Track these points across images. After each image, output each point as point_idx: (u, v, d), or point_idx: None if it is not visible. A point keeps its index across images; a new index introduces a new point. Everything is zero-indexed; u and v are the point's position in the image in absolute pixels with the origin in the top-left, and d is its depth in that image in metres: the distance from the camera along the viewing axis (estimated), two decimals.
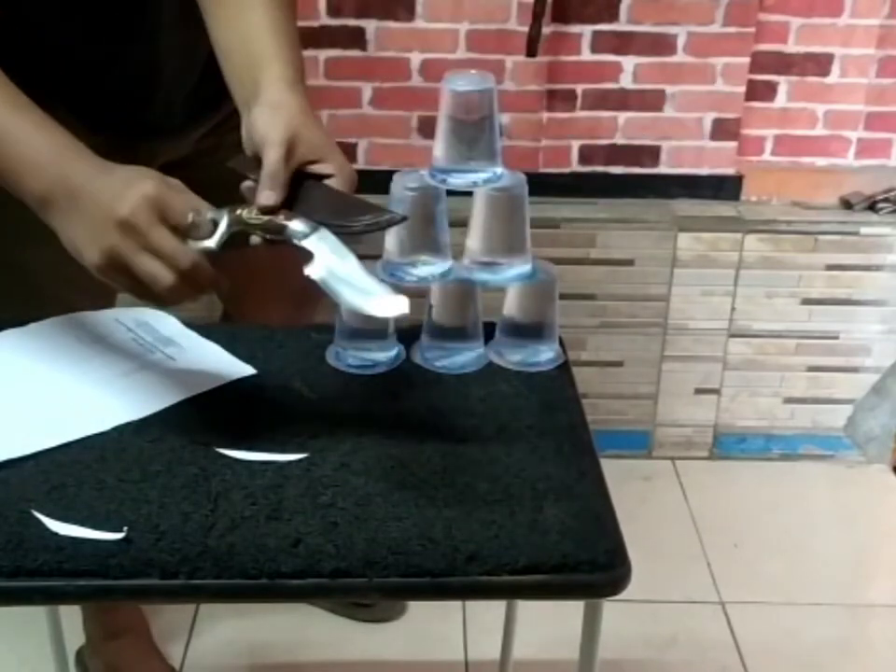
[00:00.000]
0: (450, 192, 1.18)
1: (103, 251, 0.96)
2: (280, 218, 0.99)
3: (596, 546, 0.95)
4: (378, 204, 1.02)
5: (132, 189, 0.96)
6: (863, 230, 2.19)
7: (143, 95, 1.36)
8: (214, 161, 1.29)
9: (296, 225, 0.99)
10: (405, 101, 2.12)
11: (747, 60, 2.13)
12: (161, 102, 1.38)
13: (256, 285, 1.61)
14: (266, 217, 0.99)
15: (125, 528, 0.95)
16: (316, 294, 1.69)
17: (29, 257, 1.37)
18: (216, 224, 0.98)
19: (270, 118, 1.03)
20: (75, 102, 1.26)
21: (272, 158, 1.00)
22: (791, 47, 2.14)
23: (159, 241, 0.95)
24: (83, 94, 1.31)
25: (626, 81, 2.14)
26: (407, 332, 1.26)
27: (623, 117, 2.17)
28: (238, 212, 1.00)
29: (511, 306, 1.24)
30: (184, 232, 0.97)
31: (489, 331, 1.25)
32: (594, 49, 2.11)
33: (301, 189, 1.02)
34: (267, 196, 0.99)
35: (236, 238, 1.01)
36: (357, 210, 1.01)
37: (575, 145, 2.19)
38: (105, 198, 0.96)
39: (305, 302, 1.66)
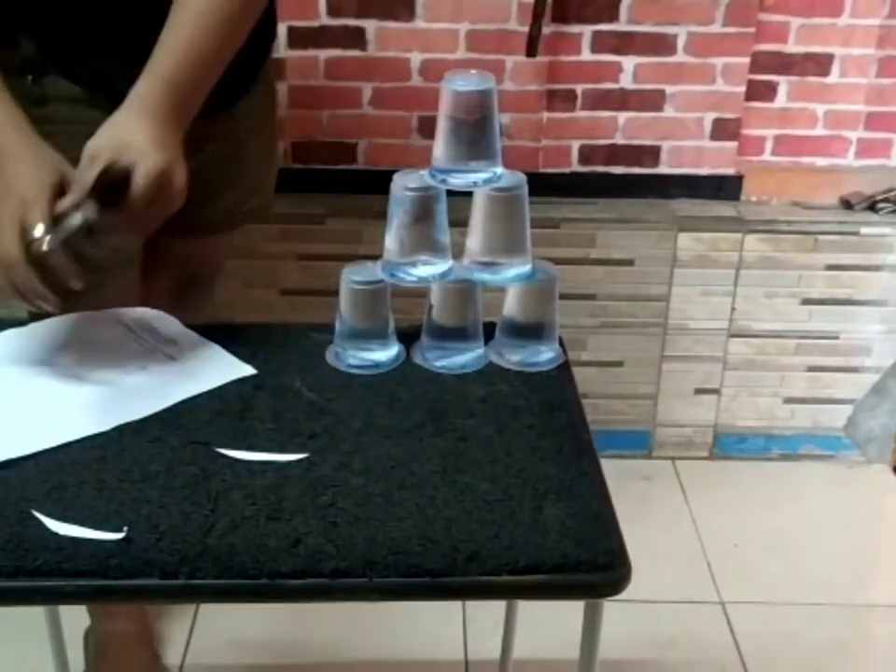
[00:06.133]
0: (450, 192, 1.18)
1: None
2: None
3: (596, 546, 0.95)
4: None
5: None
6: (863, 230, 2.19)
7: None
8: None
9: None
10: (405, 101, 2.12)
11: (747, 60, 2.12)
12: None
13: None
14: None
15: (125, 528, 0.95)
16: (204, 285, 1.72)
17: None
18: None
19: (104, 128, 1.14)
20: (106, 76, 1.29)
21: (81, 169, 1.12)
22: (791, 47, 2.14)
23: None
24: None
25: (626, 81, 2.14)
26: (407, 332, 1.26)
27: (622, 117, 2.17)
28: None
29: (511, 306, 1.24)
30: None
31: (489, 331, 1.25)
32: (594, 49, 2.11)
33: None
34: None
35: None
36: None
37: (575, 145, 2.19)
38: None
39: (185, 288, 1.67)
